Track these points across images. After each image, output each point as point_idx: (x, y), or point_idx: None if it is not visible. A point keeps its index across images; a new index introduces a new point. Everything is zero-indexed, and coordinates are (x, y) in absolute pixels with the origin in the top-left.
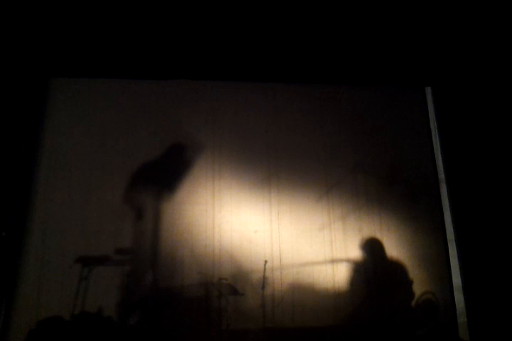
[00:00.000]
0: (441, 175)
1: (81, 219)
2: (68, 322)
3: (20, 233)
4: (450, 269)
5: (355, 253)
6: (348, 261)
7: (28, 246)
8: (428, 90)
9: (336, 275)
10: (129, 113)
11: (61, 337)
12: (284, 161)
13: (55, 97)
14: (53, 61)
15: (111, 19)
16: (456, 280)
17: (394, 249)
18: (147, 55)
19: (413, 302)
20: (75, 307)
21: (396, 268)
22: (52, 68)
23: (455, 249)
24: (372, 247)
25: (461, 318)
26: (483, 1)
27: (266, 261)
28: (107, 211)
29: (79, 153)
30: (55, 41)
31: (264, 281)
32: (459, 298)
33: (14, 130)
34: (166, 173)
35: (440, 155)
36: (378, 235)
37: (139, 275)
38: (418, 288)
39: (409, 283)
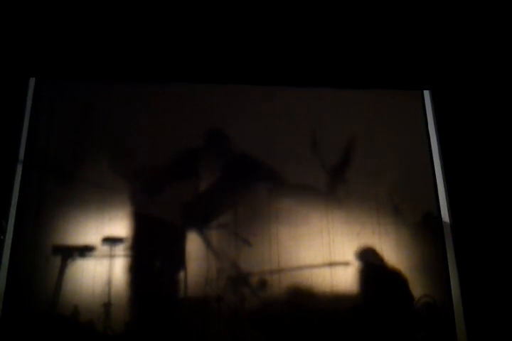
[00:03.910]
0: (440, 179)
1: (80, 220)
2: (64, 324)
3: (18, 235)
4: (448, 273)
5: (353, 255)
6: (346, 264)
7: (25, 247)
8: (427, 93)
9: (334, 279)
10: (127, 114)
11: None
12: (282, 164)
13: (54, 99)
14: (53, 62)
15: (106, 19)
16: (454, 283)
17: (392, 252)
18: (146, 57)
19: (411, 306)
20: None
21: (394, 271)
22: (51, 70)
23: (453, 252)
24: (370, 251)
25: (459, 321)
26: (482, 3)
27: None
28: (106, 211)
29: (77, 153)
30: (54, 42)
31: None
32: (457, 301)
33: (12, 131)
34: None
35: (439, 159)
36: (377, 239)
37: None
38: (416, 292)
39: (407, 286)
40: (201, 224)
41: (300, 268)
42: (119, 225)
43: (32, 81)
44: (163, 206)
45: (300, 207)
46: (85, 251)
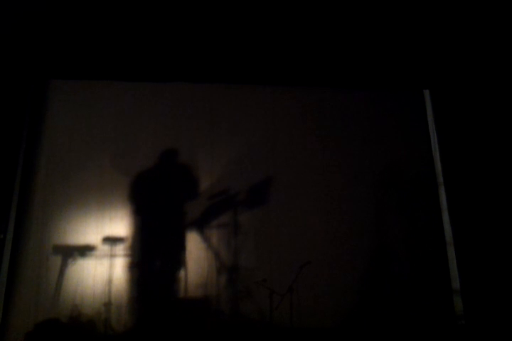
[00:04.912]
0: (440, 178)
1: (80, 220)
2: (65, 323)
3: (19, 234)
4: (448, 272)
5: (353, 255)
6: (346, 263)
7: (26, 247)
8: (426, 93)
9: (335, 278)
10: (128, 114)
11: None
12: (282, 163)
13: (54, 99)
14: (52, 63)
15: (110, 21)
16: (455, 283)
17: (393, 252)
18: (146, 57)
19: (411, 305)
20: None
21: (395, 271)
22: (51, 70)
23: (453, 251)
24: (370, 250)
25: (460, 321)
26: (481, 4)
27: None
28: (106, 211)
29: (77, 154)
30: (53, 42)
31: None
32: (457, 300)
33: (13, 131)
34: (164, 175)
35: (438, 158)
36: (376, 238)
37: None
38: (417, 291)
39: (407, 286)
40: (201, 224)
41: (300, 267)
42: (120, 225)
43: (32, 81)
44: (163, 206)
45: (300, 206)
46: (86, 250)
